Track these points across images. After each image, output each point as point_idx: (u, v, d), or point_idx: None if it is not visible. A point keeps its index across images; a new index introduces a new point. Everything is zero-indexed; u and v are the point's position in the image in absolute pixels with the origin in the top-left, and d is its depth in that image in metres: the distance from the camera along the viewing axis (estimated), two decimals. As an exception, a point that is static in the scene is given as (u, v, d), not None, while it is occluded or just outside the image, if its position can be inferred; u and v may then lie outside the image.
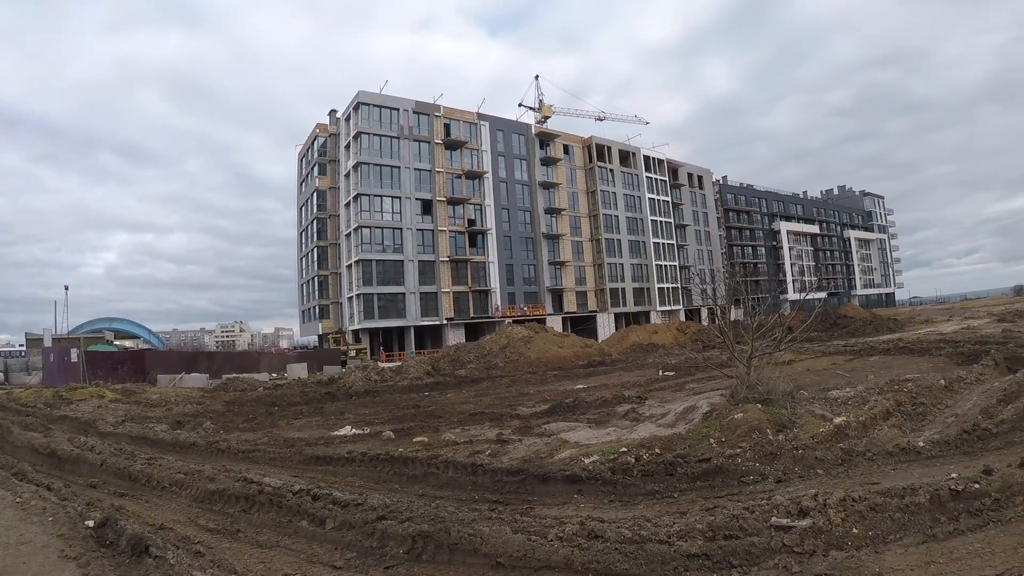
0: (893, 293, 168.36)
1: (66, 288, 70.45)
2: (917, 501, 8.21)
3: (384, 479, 13.63)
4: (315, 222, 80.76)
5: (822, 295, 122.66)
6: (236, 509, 11.16)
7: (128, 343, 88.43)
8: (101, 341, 70.25)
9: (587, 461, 12.89)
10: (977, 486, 8.55)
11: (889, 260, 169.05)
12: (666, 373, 37.97)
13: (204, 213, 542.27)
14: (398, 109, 75.37)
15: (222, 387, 40.59)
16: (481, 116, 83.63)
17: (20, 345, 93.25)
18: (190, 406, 31.71)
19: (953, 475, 9.38)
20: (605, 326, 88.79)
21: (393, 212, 72.55)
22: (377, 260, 70.05)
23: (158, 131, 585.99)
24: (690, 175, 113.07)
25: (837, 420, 13.98)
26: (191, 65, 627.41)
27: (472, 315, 77.04)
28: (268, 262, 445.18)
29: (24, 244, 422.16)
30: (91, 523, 9.21)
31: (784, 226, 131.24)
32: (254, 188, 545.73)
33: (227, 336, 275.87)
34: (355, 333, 70.50)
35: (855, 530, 7.70)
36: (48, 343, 57.86)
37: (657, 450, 13.12)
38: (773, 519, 8.02)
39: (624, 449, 13.64)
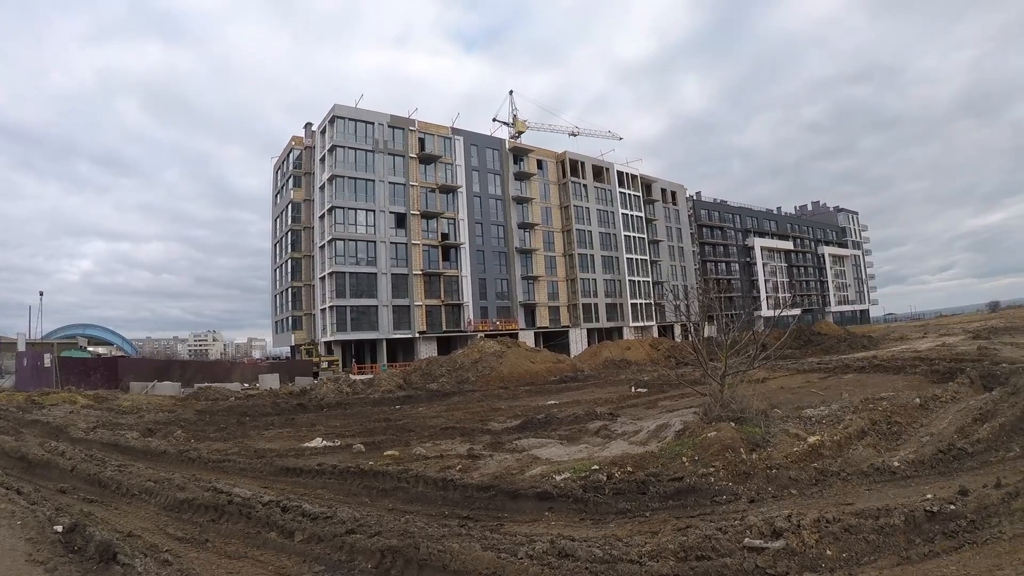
0: (868, 310, 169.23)
1: (41, 294, 70.02)
2: (892, 522, 8.17)
3: (354, 492, 13.60)
4: (289, 234, 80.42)
5: (796, 312, 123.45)
6: (205, 519, 11.09)
7: (102, 350, 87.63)
8: (75, 347, 69.49)
9: (558, 478, 12.80)
10: (953, 507, 8.52)
11: (864, 276, 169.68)
12: (639, 390, 37.94)
13: (181, 223, 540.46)
14: (373, 123, 75.31)
15: (194, 396, 40.28)
16: (456, 131, 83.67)
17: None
18: (162, 414, 31.67)
19: (928, 496, 9.37)
20: (578, 341, 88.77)
21: (367, 225, 72.32)
22: (351, 272, 69.74)
23: (136, 141, 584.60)
24: (664, 191, 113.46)
25: (811, 439, 13.95)
26: (170, 77, 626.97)
27: (445, 329, 76.82)
28: (243, 273, 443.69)
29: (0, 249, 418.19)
30: (60, 528, 9.18)
31: (758, 242, 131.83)
32: (230, 199, 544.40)
33: (200, 345, 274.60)
34: (328, 345, 70.05)
35: (829, 552, 7.63)
36: (22, 347, 57.54)
37: (629, 468, 13.05)
38: (746, 540, 7.94)
39: (596, 467, 13.55)
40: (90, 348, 79.29)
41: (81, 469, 14.93)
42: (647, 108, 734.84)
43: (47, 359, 44.77)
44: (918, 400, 18.99)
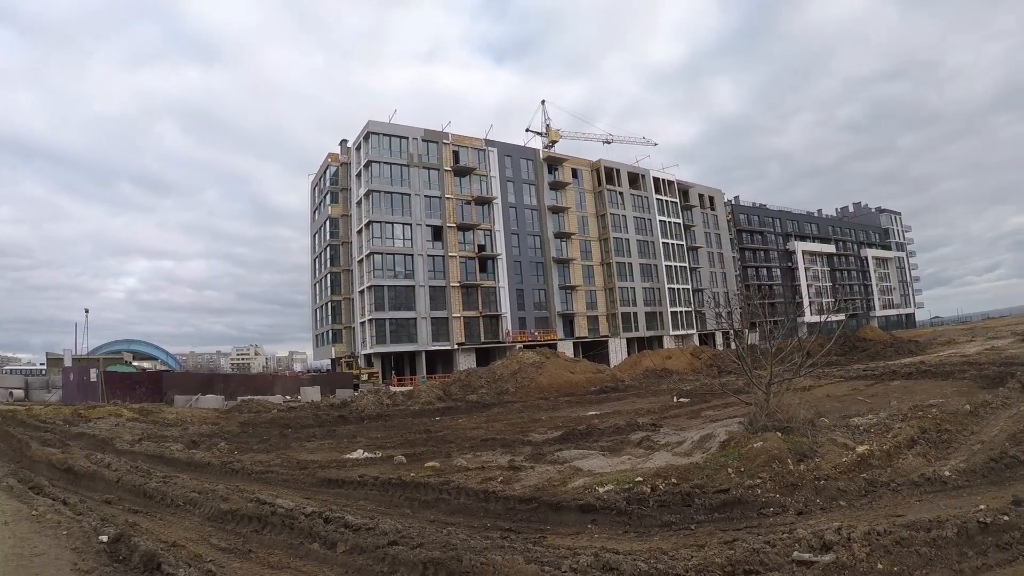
0: (913, 313, 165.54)
1: (86, 311, 71.62)
2: (944, 534, 7.96)
3: (396, 504, 13.62)
4: (328, 249, 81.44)
5: (840, 317, 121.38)
6: (248, 529, 11.18)
7: (146, 364, 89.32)
8: (120, 362, 70.71)
9: (601, 490, 12.68)
10: (1006, 518, 8.30)
11: (908, 279, 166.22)
12: (681, 399, 37.57)
13: (222, 241, 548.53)
14: (407, 137, 76.00)
15: (237, 409, 40.70)
16: (489, 142, 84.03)
17: (41, 364, 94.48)
18: (205, 427, 32.02)
19: (981, 506, 9.14)
20: (617, 351, 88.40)
21: (404, 238, 72.89)
22: (389, 286, 70.31)
23: (176, 162, 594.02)
24: (701, 196, 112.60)
25: (860, 449, 13.69)
26: (207, 98, 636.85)
27: (483, 340, 76.99)
28: (284, 288, 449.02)
29: (46, 269, 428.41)
30: (105, 538, 9.40)
31: (799, 246, 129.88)
32: (270, 216, 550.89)
33: (242, 359, 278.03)
34: (367, 357, 70.57)
35: (880, 565, 7.44)
36: (68, 363, 58.74)
37: (673, 480, 12.88)
38: (795, 553, 7.79)
39: (639, 478, 13.40)
40: (135, 363, 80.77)
41: (126, 480, 15.16)
42: (681, 113, 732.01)
43: (93, 374, 45.77)
44: (968, 406, 18.57)
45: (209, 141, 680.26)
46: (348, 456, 21.33)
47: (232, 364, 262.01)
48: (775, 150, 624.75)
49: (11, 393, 52.38)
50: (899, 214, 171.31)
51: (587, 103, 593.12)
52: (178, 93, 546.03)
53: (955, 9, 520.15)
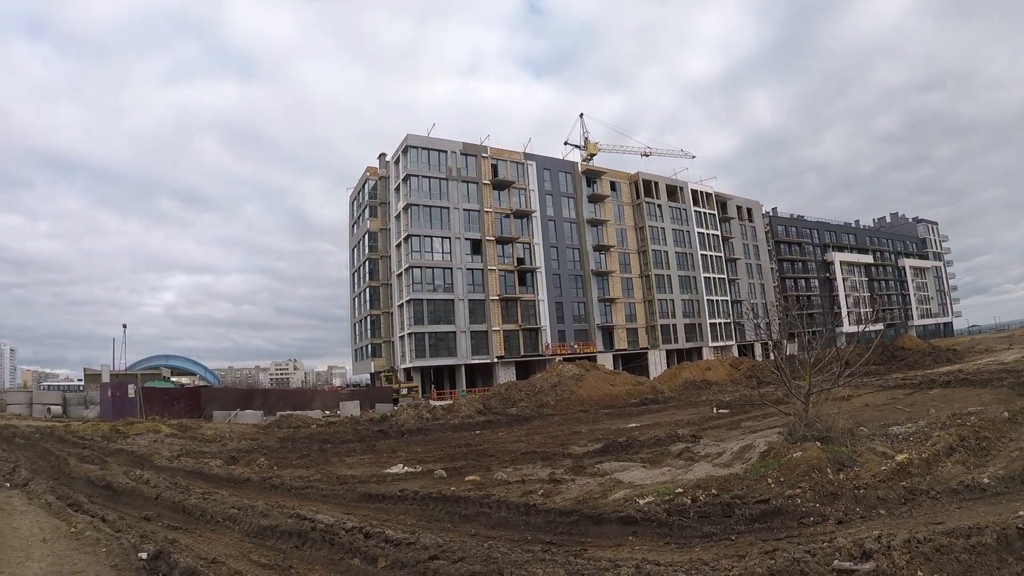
0: (951, 322, 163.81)
1: (124, 326, 72.63)
2: (984, 541, 7.97)
3: (436, 518, 13.63)
4: (367, 263, 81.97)
5: (879, 327, 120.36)
6: (288, 545, 11.25)
7: (184, 380, 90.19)
8: (158, 377, 71.54)
9: (642, 502, 12.75)
10: (1046, 525, 8.28)
11: (946, 288, 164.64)
12: (720, 411, 37.39)
13: (261, 255, 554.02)
14: (446, 151, 76.52)
15: (276, 424, 40.77)
16: (527, 156, 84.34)
17: (79, 380, 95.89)
18: (244, 442, 32.15)
19: (1020, 513, 9.12)
20: (656, 363, 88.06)
21: (443, 252, 73.30)
22: (428, 299, 70.70)
23: (215, 177, 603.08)
24: (739, 208, 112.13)
25: (899, 457, 13.65)
26: (246, 113, 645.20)
27: (522, 353, 77.07)
28: (322, 302, 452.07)
29: (84, 284, 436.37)
30: (144, 555, 9.46)
31: (837, 256, 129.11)
32: (309, 231, 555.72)
33: (281, 374, 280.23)
34: (407, 371, 70.94)
35: (920, 573, 7.48)
36: (106, 379, 59.30)
37: (714, 491, 12.93)
38: (835, 562, 7.84)
39: (679, 490, 13.46)
40: (173, 378, 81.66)
41: (165, 497, 15.29)
42: (719, 126, 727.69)
43: (131, 389, 45.84)
44: (1006, 414, 18.43)
45: (248, 156, 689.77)
46: (388, 471, 21.36)
47: (271, 379, 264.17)
48: (812, 162, 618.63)
49: (49, 409, 53.00)
50: (936, 224, 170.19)
51: (625, 116, 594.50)
52: (217, 108, 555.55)
53: (991, 20, 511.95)
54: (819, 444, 14.58)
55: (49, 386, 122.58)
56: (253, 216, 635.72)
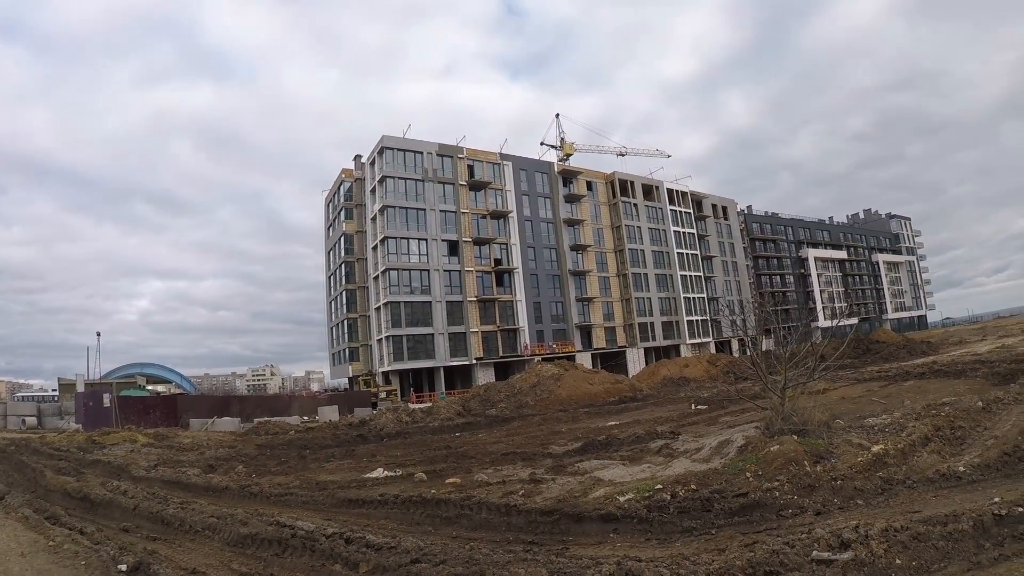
0: (925, 315, 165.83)
1: (98, 334, 71.84)
2: (960, 528, 8.10)
3: (417, 521, 13.62)
4: (343, 266, 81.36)
5: (853, 321, 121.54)
6: (269, 553, 11.20)
7: (160, 388, 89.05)
8: (133, 386, 70.76)
9: (622, 499, 12.79)
10: (1021, 509, 8.46)
11: (919, 282, 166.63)
12: (699, 407, 37.60)
13: (236, 259, 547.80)
14: (422, 152, 76.20)
15: (254, 431, 40.67)
16: (504, 156, 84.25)
17: (53, 390, 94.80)
18: (222, 450, 31.98)
19: (996, 499, 9.26)
20: (635, 361, 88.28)
21: (420, 254, 72.98)
22: (405, 302, 70.35)
23: (191, 180, 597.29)
24: (714, 206, 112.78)
25: (875, 448, 13.79)
26: (222, 116, 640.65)
27: (501, 354, 76.95)
28: (299, 306, 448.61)
29: (58, 291, 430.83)
30: (124, 567, 9.40)
31: (811, 253, 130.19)
32: (285, 234, 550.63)
33: (258, 380, 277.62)
34: (385, 375, 70.52)
35: (898, 561, 7.57)
36: (81, 388, 58.56)
37: (693, 486, 13.01)
38: (814, 553, 7.92)
39: (659, 486, 13.53)
40: (149, 386, 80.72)
41: (143, 507, 15.16)
42: (694, 126, 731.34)
43: (106, 399, 45.42)
44: (980, 403, 18.67)
45: (224, 159, 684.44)
46: (368, 475, 21.35)
47: (248, 385, 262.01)
48: (787, 160, 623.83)
49: (23, 421, 52.46)
50: (909, 219, 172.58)
51: (601, 117, 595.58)
52: (193, 110, 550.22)
53: (961, 21, 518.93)
54: (796, 437, 14.71)
55: (23, 397, 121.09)
56: (228, 220, 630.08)
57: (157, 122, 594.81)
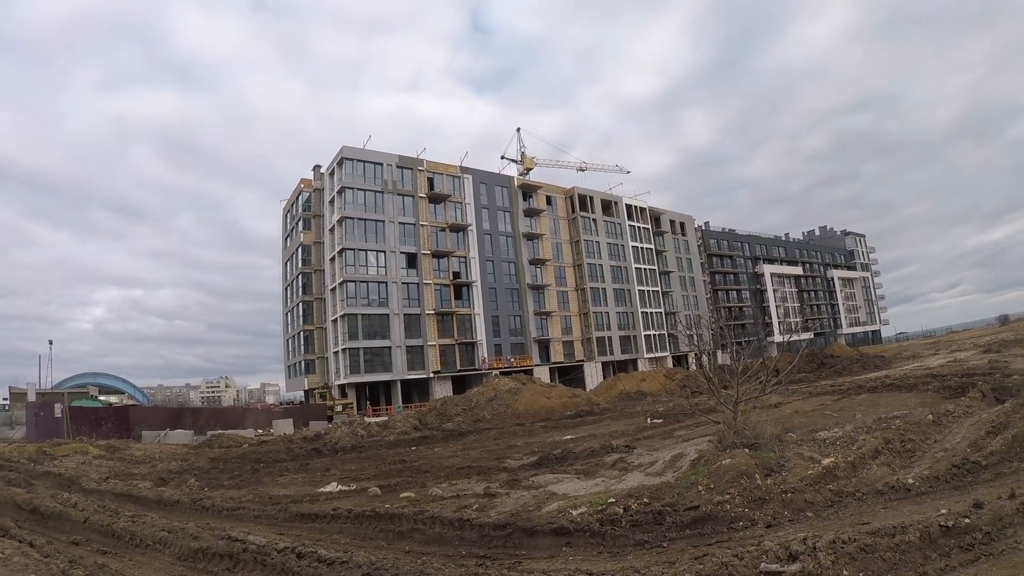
0: (879, 330, 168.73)
1: (50, 342, 70.15)
2: (907, 539, 8.19)
3: (370, 536, 13.55)
4: (300, 277, 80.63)
5: (808, 336, 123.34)
6: (220, 567, 11.10)
7: (113, 399, 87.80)
8: (86, 396, 69.54)
9: (575, 513, 12.78)
10: (967, 520, 8.55)
11: (873, 298, 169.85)
12: (654, 421, 37.80)
13: (194, 269, 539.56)
14: (382, 164, 75.84)
15: (207, 444, 40.14)
16: (464, 169, 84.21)
17: (3, 399, 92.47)
18: (175, 463, 31.55)
19: (943, 511, 9.39)
20: (593, 375, 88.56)
21: (378, 266, 72.53)
22: (363, 314, 69.78)
23: (150, 188, 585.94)
24: (672, 222, 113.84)
25: (825, 461, 13.94)
26: (184, 124, 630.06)
27: (459, 368, 76.64)
28: (256, 317, 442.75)
29: (11, 297, 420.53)
30: None
31: (767, 268, 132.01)
32: (244, 244, 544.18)
33: (212, 392, 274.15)
34: (341, 388, 69.86)
35: (845, 572, 7.64)
36: (32, 398, 57.56)
37: (646, 499, 13.04)
38: (763, 565, 7.94)
39: (612, 499, 13.56)
40: (101, 397, 79.58)
41: (94, 520, 14.95)
42: (654, 143, 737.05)
43: (58, 409, 44.67)
44: (931, 416, 19.00)
45: (184, 167, 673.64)
46: (322, 490, 21.19)
47: (202, 397, 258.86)
48: (744, 179, 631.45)
49: (-28, 432, 51.49)
50: (863, 236, 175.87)
51: (563, 134, 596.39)
52: (155, 116, 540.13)
53: (917, 45, 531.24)
54: (748, 451, 14.83)
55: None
56: (187, 228, 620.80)
57: (118, 127, 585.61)
